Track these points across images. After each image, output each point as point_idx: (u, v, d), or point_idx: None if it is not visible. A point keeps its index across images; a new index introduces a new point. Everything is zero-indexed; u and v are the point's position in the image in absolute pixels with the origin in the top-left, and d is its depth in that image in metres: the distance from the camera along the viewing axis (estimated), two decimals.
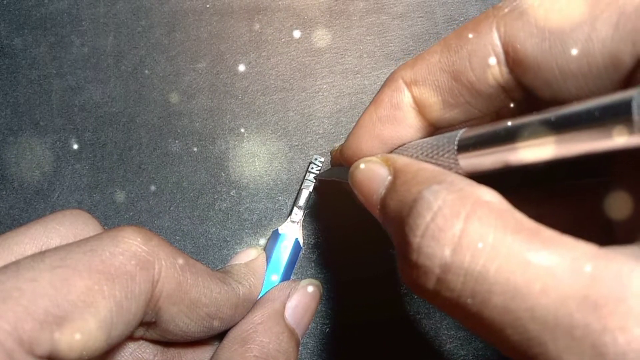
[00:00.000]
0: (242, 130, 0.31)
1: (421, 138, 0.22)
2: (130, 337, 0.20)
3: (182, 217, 0.30)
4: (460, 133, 0.19)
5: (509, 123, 0.17)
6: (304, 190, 0.29)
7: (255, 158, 0.31)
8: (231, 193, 0.30)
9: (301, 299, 0.25)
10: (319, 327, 0.28)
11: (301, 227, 0.29)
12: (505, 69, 0.18)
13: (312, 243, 0.29)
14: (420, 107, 0.21)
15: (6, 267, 0.17)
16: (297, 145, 0.31)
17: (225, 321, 0.23)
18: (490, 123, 0.18)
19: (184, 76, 0.32)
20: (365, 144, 0.23)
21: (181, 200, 0.30)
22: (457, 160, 0.19)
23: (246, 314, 0.24)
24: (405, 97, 0.21)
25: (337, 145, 0.28)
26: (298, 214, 0.29)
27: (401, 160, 0.20)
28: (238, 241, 0.30)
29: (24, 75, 0.32)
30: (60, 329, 0.16)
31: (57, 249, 0.17)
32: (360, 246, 0.29)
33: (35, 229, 0.20)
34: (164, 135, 0.31)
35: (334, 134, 0.31)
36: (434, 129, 0.22)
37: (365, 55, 0.32)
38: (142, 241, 0.19)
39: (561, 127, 0.15)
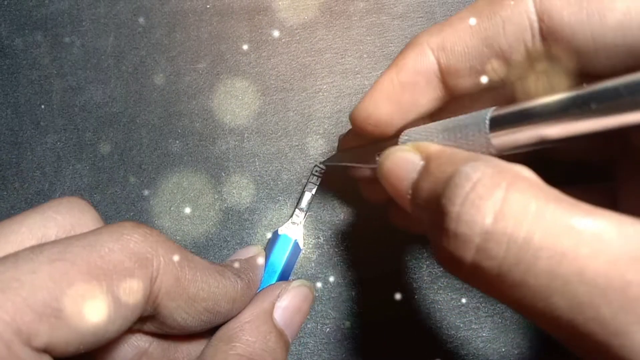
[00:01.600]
0: (245, 122, 0.31)
1: (434, 118, 0.22)
2: (128, 330, 0.20)
3: (182, 217, 0.30)
4: (491, 111, 0.19)
5: (549, 98, 0.17)
6: (306, 192, 0.29)
7: (255, 158, 0.31)
8: (231, 193, 0.30)
9: (292, 300, 0.25)
10: (319, 327, 0.28)
11: (302, 229, 0.29)
12: (538, 38, 0.18)
13: (312, 243, 0.29)
14: (444, 74, 0.21)
15: (5, 258, 0.17)
16: (297, 145, 0.31)
17: (222, 315, 0.23)
18: (521, 102, 0.18)
19: (184, 76, 0.32)
20: (382, 108, 0.22)
21: (181, 200, 0.30)
22: (488, 139, 0.19)
23: (244, 308, 0.24)
24: (430, 63, 0.21)
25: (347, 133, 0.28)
26: (299, 216, 0.29)
27: (433, 146, 0.20)
28: (238, 241, 0.30)
29: (25, 75, 0.32)
30: (58, 323, 0.16)
31: (55, 242, 0.17)
32: (361, 246, 0.29)
33: (33, 218, 0.20)
34: (164, 136, 0.31)
35: (334, 134, 0.31)
36: (449, 98, 0.22)
37: (365, 55, 0.32)
38: (141, 237, 0.19)
39: (605, 99, 0.15)
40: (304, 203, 0.29)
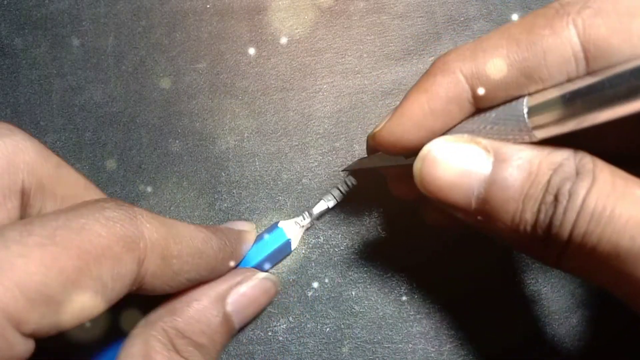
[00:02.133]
0: (246, 121, 0.31)
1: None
2: None
3: (182, 217, 0.30)
4: (526, 101, 0.19)
5: (594, 79, 0.17)
6: (322, 201, 0.29)
7: (255, 158, 0.31)
8: (231, 193, 0.30)
9: (251, 290, 0.25)
10: (319, 327, 0.28)
11: (301, 233, 0.29)
12: (583, 66, 0.18)
13: (312, 243, 0.29)
14: (478, 101, 0.20)
15: None
16: (297, 145, 0.31)
17: (199, 281, 0.23)
18: (557, 86, 0.18)
19: (184, 76, 0.32)
20: (412, 134, 0.21)
21: (181, 200, 0.30)
22: (530, 130, 0.19)
23: (220, 276, 0.25)
24: (464, 92, 0.20)
25: (376, 129, 0.25)
26: (305, 220, 0.29)
27: (487, 140, 0.20)
28: None
29: (25, 75, 0.32)
30: (47, 309, 0.16)
31: (43, 222, 0.17)
32: (361, 246, 0.29)
33: None
34: (164, 135, 0.31)
35: (334, 134, 0.31)
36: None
37: (365, 55, 0.32)
38: (127, 219, 0.19)
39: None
40: (316, 210, 0.29)
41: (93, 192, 0.24)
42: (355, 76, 0.32)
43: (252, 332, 0.28)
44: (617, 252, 0.17)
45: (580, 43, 0.18)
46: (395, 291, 0.29)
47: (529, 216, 0.19)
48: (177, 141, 0.31)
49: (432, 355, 0.28)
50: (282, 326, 0.28)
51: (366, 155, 0.28)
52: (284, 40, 0.32)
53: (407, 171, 0.22)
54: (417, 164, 0.21)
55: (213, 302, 0.24)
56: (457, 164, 0.20)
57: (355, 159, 0.30)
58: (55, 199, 0.22)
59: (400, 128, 0.21)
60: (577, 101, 0.17)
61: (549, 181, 0.18)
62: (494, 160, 0.19)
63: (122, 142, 0.31)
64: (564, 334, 0.28)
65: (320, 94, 0.32)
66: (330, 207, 0.29)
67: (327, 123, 0.31)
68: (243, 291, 0.25)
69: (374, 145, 0.24)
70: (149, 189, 0.30)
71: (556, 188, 0.18)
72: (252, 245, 0.27)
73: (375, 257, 0.29)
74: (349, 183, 0.29)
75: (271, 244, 0.28)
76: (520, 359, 0.27)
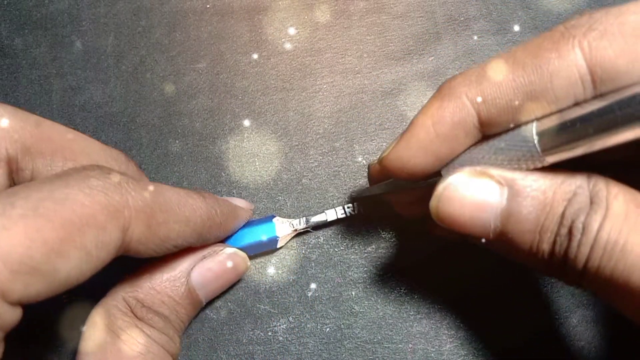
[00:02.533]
0: (246, 122, 0.31)
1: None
2: None
3: None
4: (535, 126, 0.19)
5: (605, 102, 0.17)
6: (324, 214, 0.28)
7: (255, 158, 0.31)
8: (231, 193, 0.30)
9: (217, 264, 0.25)
10: (319, 327, 0.28)
11: (291, 235, 0.29)
12: (590, 89, 0.18)
13: (312, 243, 0.29)
14: (484, 125, 0.20)
15: None
16: (297, 145, 0.31)
17: (186, 246, 0.23)
18: (567, 109, 0.18)
19: (184, 76, 0.32)
20: (419, 159, 0.21)
21: None
22: (541, 156, 0.19)
23: (209, 243, 0.25)
24: (470, 117, 0.20)
25: (375, 160, 0.26)
26: (300, 224, 0.29)
27: (500, 171, 0.20)
28: None
29: (25, 75, 0.32)
30: (32, 279, 0.17)
31: (27, 194, 0.17)
32: (361, 246, 0.29)
33: None
34: (164, 135, 0.31)
35: (334, 134, 0.31)
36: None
37: (365, 55, 0.32)
38: (111, 188, 0.19)
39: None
40: (315, 218, 0.28)
41: (81, 141, 0.24)
42: (355, 76, 0.32)
43: (252, 332, 0.28)
44: (629, 284, 0.17)
45: (587, 66, 0.18)
46: (395, 291, 0.29)
47: (545, 247, 0.19)
48: (177, 141, 0.31)
49: (432, 355, 0.28)
50: (282, 326, 0.28)
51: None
52: (283, 40, 0.33)
53: (414, 195, 0.22)
54: (433, 202, 0.21)
55: (176, 274, 0.24)
56: (472, 200, 0.20)
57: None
58: (44, 156, 0.23)
59: (407, 153, 0.22)
60: (586, 125, 0.17)
61: (563, 213, 0.18)
62: (509, 194, 0.20)
63: (122, 142, 0.31)
64: (564, 334, 0.28)
65: (320, 94, 0.32)
66: (328, 221, 0.28)
67: (327, 123, 0.31)
68: (209, 265, 0.25)
69: (378, 172, 0.24)
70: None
71: (570, 220, 0.18)
72: (242, 228, 0.27)
73: (375, 257, 0.29)
74: (356, 209, 0.28)
75: (258, 234, 0.28)
76: (520, 359, 0.27)
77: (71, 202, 0.18)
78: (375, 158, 0.30)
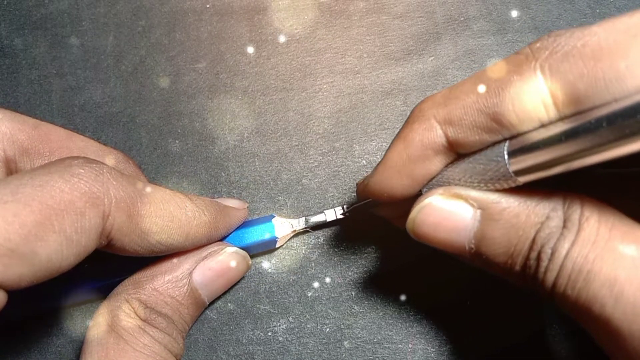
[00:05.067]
0: (246, 122, 0.31)
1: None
2: None
3: None
4: (506, 146, 0.19)
5: (576, 122, 0.17)
6: (323, 214, 0.28)
7: (255, 158, 0.31)
8: (231, 193, 0.30)
9: (219, 263, 0.26)
10: (319, 327, 0.28)
11: (290, 235, 0.29)
12: (553, 110, 0.18)
13: (312, 243, 0.29)
14: (452, 145, 0.21)
15: None
16: (297, 145, 0.31)
17: (176, 247, 0.23)
18: (538, 129, 0.18)
19: (184, 76, 0.32)
20: (395, 181, 0.22)
21: None
22: (512, 175, 0.19)
23: (201, 244, 0.25)
24: (438, 137, 0.21)
25: (363, 179, 0.27)
26: (300, 224, 0.29)
27: (474, 192, 0.20)
28: None
29: (24, 75, 0.32)
30: (10, 261, 0.17)
31: (7, 181, 0.18)
32: (361, 246, 0.29)
33: None
34: (164, 135, 0.31)
35: (334, 134, 0.31)
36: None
37: (365, 55, 0.32)
38: (92, 176, 0.19)
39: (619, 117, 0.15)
40: (314, 218, 0.28)
41: (79, 141, 0.25)
42: (355, 76, 0.32)
43: (252, 332, 0.28)
44: (592, 312, 0.17)
45: (548, 89, 0.18)
46: (395, 291, 0.29)
47: (517, 268, 0.20)
48: (177, 141, 0.31)
49: (432, 355, 0.28)
50: (282, 326, 0.28)
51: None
52: (283, 40, 0.32)
53: (404, 209, 0.23)
54: (409, 224, 0.22)
55: (178, 275, 0.24)
56: (445, 222, 0.21)
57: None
58: (43, 156, 0.24)
59: (384, 177, 0.22)
60: (551, 148, 0.17)
61: (534, 238, 0.19)
62: (481, 216, 0.20)
63: (122, 142, 0.31)
64: (564, 334, 0.28)
65: (320, 94, 0.32)
66: (327, 221, 0.28)
67: (327, 123, 0.31)
68: (210, 265, 0.25)
69: (363, 193, 0.25)
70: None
71: (540, 245, 0.19)
72: (240, 228, 0.27)
73: (375, 257, 0.29)
74: (352, 214, 0.28)
75: (257, 234, 0.28)
76: (520, 359, 0.27)
77: (50, 188, 0.18)
78: (375, 158, 0.31)
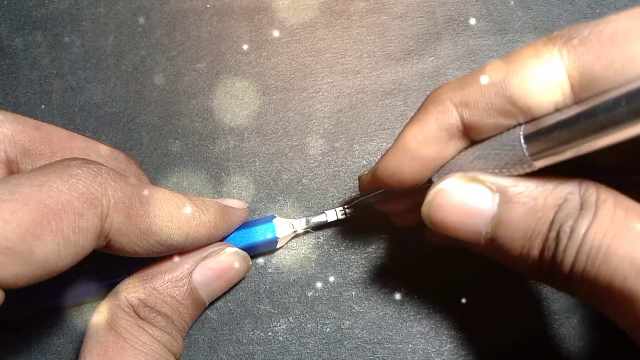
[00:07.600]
0: (246, 122, 0.31)
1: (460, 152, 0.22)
2: None
3: None
4: (522, 130, 0.19)
5: (594, 103, 0.17)
6: (324, 214, 0.28)
7: (255, 158, 0.31)
8: (231, 193, 0.30)
9: (219, 264, 0.26)
10: (319, 327, 0.28)
11: (291, 236, 0.29)
12: (569, 94, 0.18)
13: (312, 243, 0.29)
14: (467, 129, 0.21)
15: None
16: (297, 145, 0.31)
17: (175, 247, 0.23)
18: (552, 114, 0.18)
19: (184, 76, 0.32)
20: (406, 165, 0.22)
21: None
22: (528, 160, 0.19)
23: (201, 244, 0.25)
24: (453, 119, 0.21)
25: (365, 172, 0.27)
26: (301, 224, 0.29)
27: (491, 177, 0.20)
28: None
29: (25, 75, 0.32)
30: (7, 260, 0.17)
31: (5, 181, 0.18)
32: (361, 246, 0.29)
33: None
34: (164, 135, 0.31)
35: (334, 134, 0.31)
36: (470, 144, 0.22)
37: (365, 55, 0.32)
38: (90, 176, 0.19)
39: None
40: (314, 219, 0.28)
41: (80, 141, 0.25)
42: (355, 76, 0.32)
43: (252, 332, 0.28)
44: (612, 288, 0.17)
45: (566, 72, 0.18)
46: (395, 291, 0.29)
47: (535, 253, 0.19)
48: (177, 141, 0.31)
49: (432, 355, 0.28)
50: (282, 326, 0.28)
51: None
52: (284, 40, 0.33)
53: (409, 203, 0.22)
54: (425, 208, 0.21)
55: (178, 274, 0.24)
56: (463, 206, 0.20)
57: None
58: (44, 157, 0.24)
59: (396, 161, 0.22)
60: (569, 129, 0.18)
61: (553, 219, 0.19)
62: (500, 200, 0.20)
63: (122, 142, 0.31)
64: (564, 334, 0.28)
65: (320, 94, 0.32)
66: (328, 221, 0.28)
67: (327, 123, 0.31)
68: (210, 265, 0.25)
69: (369, 182, 0.25)
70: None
71: (559, 225, 0.19)
72: (241, 228, 0.27)
73: (375, 257, 0.29)
74: (354, 213, 0.28)
75: (258, 234, 0.28)
76: (520, 359, 0.27)
77: (48, 188, 0.18)
78: (375, 158, 0.31)
